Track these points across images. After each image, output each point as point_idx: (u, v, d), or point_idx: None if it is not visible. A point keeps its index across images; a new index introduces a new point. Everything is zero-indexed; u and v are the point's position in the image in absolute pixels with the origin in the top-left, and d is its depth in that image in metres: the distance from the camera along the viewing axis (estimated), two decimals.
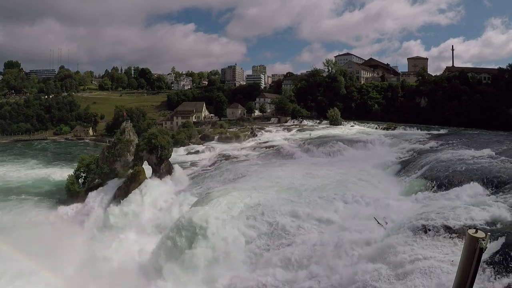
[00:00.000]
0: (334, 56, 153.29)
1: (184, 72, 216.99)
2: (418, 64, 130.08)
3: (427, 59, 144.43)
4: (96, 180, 38.57)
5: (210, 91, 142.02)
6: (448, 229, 14.30)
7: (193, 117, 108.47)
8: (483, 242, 4.32)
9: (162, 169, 38.65)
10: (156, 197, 33.99)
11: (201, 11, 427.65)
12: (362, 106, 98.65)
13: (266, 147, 54.17)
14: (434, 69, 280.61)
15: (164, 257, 21.49)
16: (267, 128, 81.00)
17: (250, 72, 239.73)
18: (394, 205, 20.39)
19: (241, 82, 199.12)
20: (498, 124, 70.44)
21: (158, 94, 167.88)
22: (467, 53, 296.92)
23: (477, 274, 4.58)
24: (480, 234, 4.39)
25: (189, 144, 73.79)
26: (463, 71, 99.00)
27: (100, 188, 37.46)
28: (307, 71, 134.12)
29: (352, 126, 78.04)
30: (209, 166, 47.77)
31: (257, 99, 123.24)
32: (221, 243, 20.20)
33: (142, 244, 26.59)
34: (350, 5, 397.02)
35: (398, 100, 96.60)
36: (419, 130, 64.04)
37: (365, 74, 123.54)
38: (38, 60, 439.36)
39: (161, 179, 37.32)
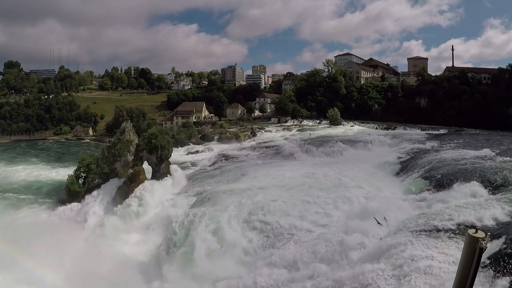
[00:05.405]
0: (334, 56, 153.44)
1: (184, 72, 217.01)
2: (418, 64, 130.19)
3: (427, 59, 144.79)
4: (96, 180, 38.58)
5: (210, 91, 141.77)
6: (448, 229, 14.31)
7: (193, 117, 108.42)
8: (483, 242, 4.32)
9: (162, 169, 38.63)
10: (156, 197, 33.99)
11: (203, 12, 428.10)
12: (362, 106, 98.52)
13: (266, 147, 54.08)
14: (434, 69, 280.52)
15: (163, 257, 21.51)
16: (267, 128, 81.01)
17: (250, 72, 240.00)
18: (394, 205, 20.39)
19: (241, 82, 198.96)
20: (498, 124, 70.41)
21: (158, 94, 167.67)
22: (467, 53, 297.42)
23: (477, 274, 4.57)
24: (480, 234, 4.38)
25: (189, 144, 73.82)
26: (463, 71, 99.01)
27: (100, 188, 37.49)
28: (307, 71, 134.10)
29: (352, 126, 77.98)
30: (209, 166, 47.73)
31: (257, 99, 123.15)
32: (220, 243, 20.20)
33: (142, 244, 26.62)
34: (351, 6, 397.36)
35: (398, 100, 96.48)
36: (419, 130, 63.94)
37: (365, 74, 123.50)
38: (38, 60, 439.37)
39: (161, 179, 37.30)
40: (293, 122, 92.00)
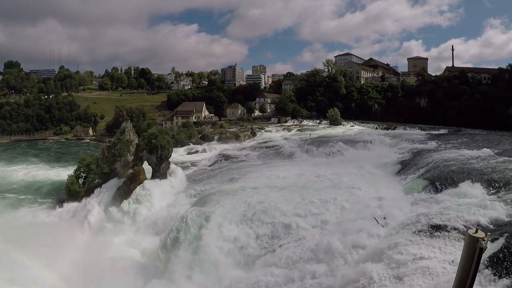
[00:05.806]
0: (334, 56, 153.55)
1: (184, 72, 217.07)
2: (418, 64, 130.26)
3: (427, 59, 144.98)
4: (96, 180, 38.57)
5: (210, 91, 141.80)
6: (448, 229, 14.28)
7: (193, 117, 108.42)
8: (483, 242, 4.31)
9: (162, 169, 38.60)
10: (156, 197, 33.95)
11: (203, 12, 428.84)
12: (362, 106, 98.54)
13: (266, 147, 54.07)
14: (434, 69, 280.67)
15: (163, 257, 21.47)
16: (267, 128, 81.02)
17: (250, 72, 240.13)
18: (394, 205, 20.34)
19: (241, 82, 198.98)
20: (498, 124, 70.46)
21: (158, 94, 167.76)
22: (467, 53, 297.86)
23: (477, 274, 4.56)
24: (480, 234, 4.37)
25: (189, 144, 73.82)
26: (463, 71, 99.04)
27: (100, 188, 37.47)
28: (307, 71, 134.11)
29: (352, 126, 78.02)
30: (209, 166, 47.73)
31: (257, 99, 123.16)
32: (220, 243, 20.16)
33: (142, 244, 26.61)
34: (351, 7, 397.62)
35: (398, 100, 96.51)
36: (419, 130, 63.96)
37: (365, 74, 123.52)
38: (38, 60, 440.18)
39: (161, 179, 37.26)
40: (293, 122, 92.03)
